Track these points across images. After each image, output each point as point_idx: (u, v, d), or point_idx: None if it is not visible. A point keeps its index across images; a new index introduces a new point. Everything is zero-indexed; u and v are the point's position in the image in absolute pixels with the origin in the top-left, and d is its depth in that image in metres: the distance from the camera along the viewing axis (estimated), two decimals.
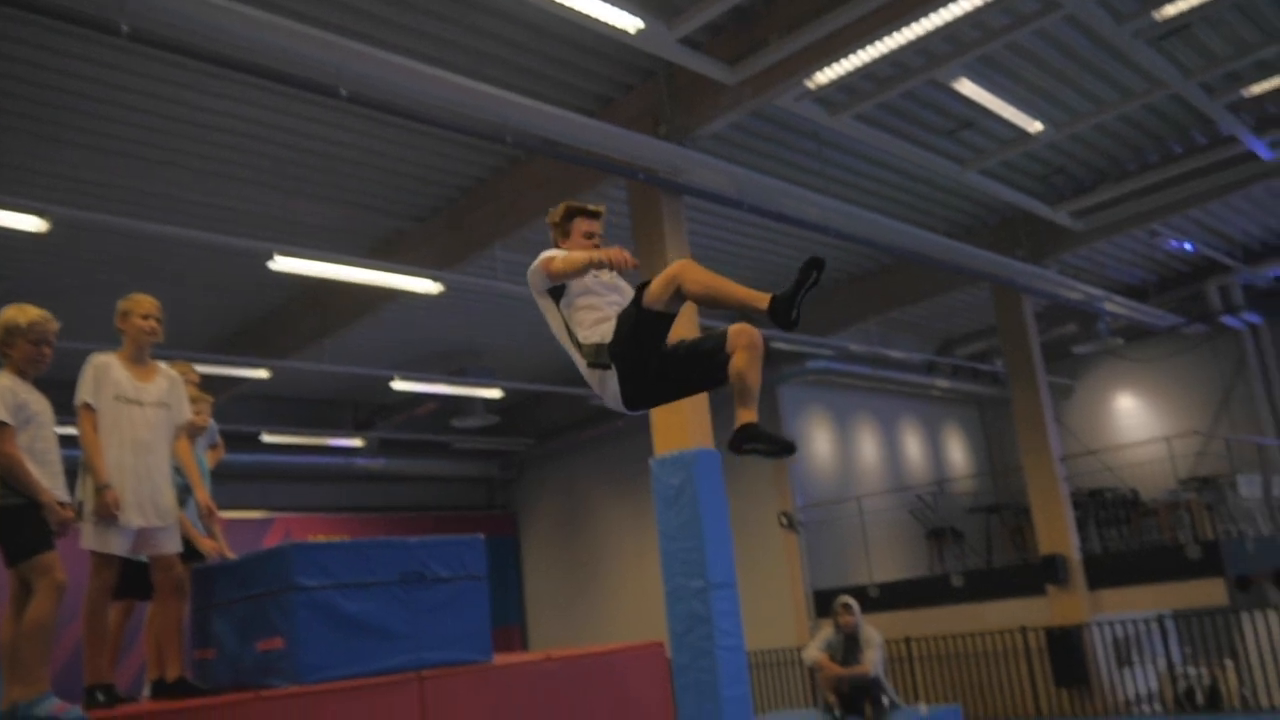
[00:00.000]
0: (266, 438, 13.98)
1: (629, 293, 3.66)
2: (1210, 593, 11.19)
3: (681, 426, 7.55)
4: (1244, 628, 10.72)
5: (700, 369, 3.53)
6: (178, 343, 8.95)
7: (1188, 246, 13.06)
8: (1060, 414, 15.51)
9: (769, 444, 3.44)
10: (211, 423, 5.42)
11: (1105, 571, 12.14)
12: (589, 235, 3.85)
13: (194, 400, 4.99)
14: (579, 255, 3.51)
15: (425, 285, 9.20)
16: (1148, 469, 14.22)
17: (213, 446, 5.52)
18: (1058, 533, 12.26)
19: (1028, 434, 12.77)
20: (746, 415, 3.43)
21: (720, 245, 11.43)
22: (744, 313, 3.35)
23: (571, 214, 3.88)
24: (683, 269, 3.35)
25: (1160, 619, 11.48)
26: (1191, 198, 11.14)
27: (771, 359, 14.16)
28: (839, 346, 13.90)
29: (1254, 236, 13.60)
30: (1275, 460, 14.38)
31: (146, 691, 4.70)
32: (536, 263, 3.65)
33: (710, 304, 3.42)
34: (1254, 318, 14.61)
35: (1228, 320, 14.30)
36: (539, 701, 4.98)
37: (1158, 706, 11.67)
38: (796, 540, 13.71)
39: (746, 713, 7.15)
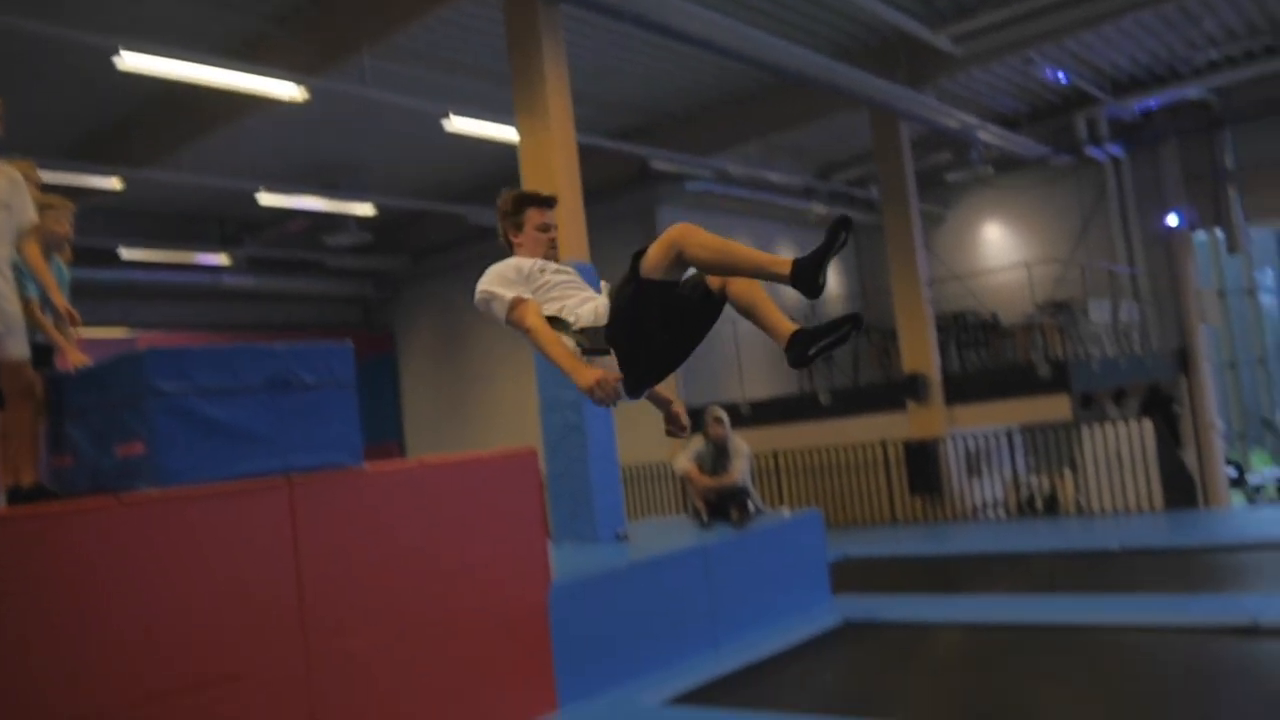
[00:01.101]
0: (125, 253, 13.37)
1: (584, 285, 3.34)
2: (1057, 408, 11.92)
3: (559, 241, 7.48)
4: (1083, 441, 11.50)
5: (697, 323, 3.13)
6: (19, 149, 8.37)
7: (1060, 76, 13.28)
8: (930, 241, 15.94)
9: (831, 337, 2.94)
10: None
11: (962, 389, 12.79)
12: (544, 229, 3.47)
13: (52, 208, 4.71)
14: (558, 353, 3.10)
15: (288, 90, 8.74)
16: (1008, 294, 14.86)
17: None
18: (921, 353, 12.80)
19: (898, 259, 13.12)
20: (786, 327, 2.99)
21: (600, 61, 11.12)
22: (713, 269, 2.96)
23: (522, 203, 3.49)
24: (683, 233, 2.94)
25: (1009, 433, 12.22)
26: (1066, 25, 11.24)
27: (649, 180, 14.11)
28: (718, 168, 13.86)
29: (1122, 69, 13.89)
30: (1124, 288, 15.16)
31: (2, 499, 4.58)
32: (489, 290, 3.23)
33: (718, 272, 3.00)
34: (1117, 150, 15.09)
35: (1092, 152, 14.74)
36: (412, 507, 5.05)
37: (1002, 513, 12.56)
38: None
39: (618, 519, 7.42)
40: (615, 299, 3.09)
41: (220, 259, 14.76)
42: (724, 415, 8.11)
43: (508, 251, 3.48)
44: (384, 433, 16.72)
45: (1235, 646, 5.67)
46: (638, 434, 13.44)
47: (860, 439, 12.77)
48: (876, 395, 13.35)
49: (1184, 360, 15.05)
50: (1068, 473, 12.08)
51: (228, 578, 4.30)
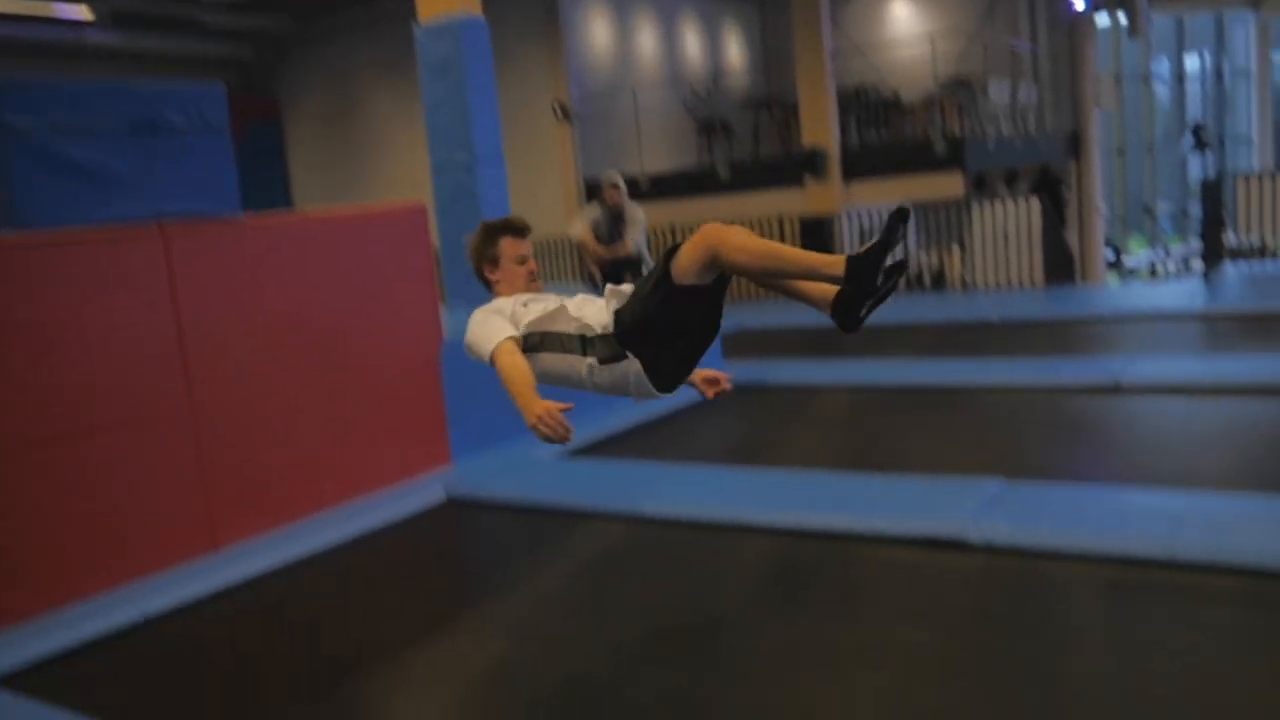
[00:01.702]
0: None
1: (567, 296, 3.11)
2: (950, 186, 12.05)
3: None
4: (973, 218, 11.73)
5: (718, 311, 2.93)
6: None
7: None
8: (836, 13, 15.54)
9: (882, 290, 2.64)
10: None
11: (860, 165, 12.81)
12: (521, 260, 3.20)
13: None
14: (516, 388, 2.83)
15: None
16: (911, 70, 14.69)
17: None
18: (821, 127, 12.70)
19: (803, 29, 12.80)
20: (834, 264, 2.64)
21: None
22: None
23: (493, 234, 3.20)
24: (720, 237, 2.71)
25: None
26: None
27: None
28: None
29: None
30: (1025, 70, 15.12)
31: None
32: (476, 347, 3.00)
33: (761, 276, 2.81)
34: None
35: None
36: (295, 261, 4.90)
37: None
38: (570, 131, 13.64)
39: None
40: (642, 304, 2.85)
41: (81, 12, 13.60)
42: (620, 181, 7.97)
43: (486, 292, 3.20)
44: (273, 204, 16.13)
45: (1099, 403, 6.01)
46: (536, 208, 13.23)
47: (758, 214, 12.79)
48: (775, 170, 13.29)
49: (1076, 144, 15.27)
50: (956, 249, 12.36)
51: (104, 326, 4.15)
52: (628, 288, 3.07)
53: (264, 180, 15.53)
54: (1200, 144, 12.23)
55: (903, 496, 4.40)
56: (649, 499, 4.75)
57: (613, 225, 7.98)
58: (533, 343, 3.01)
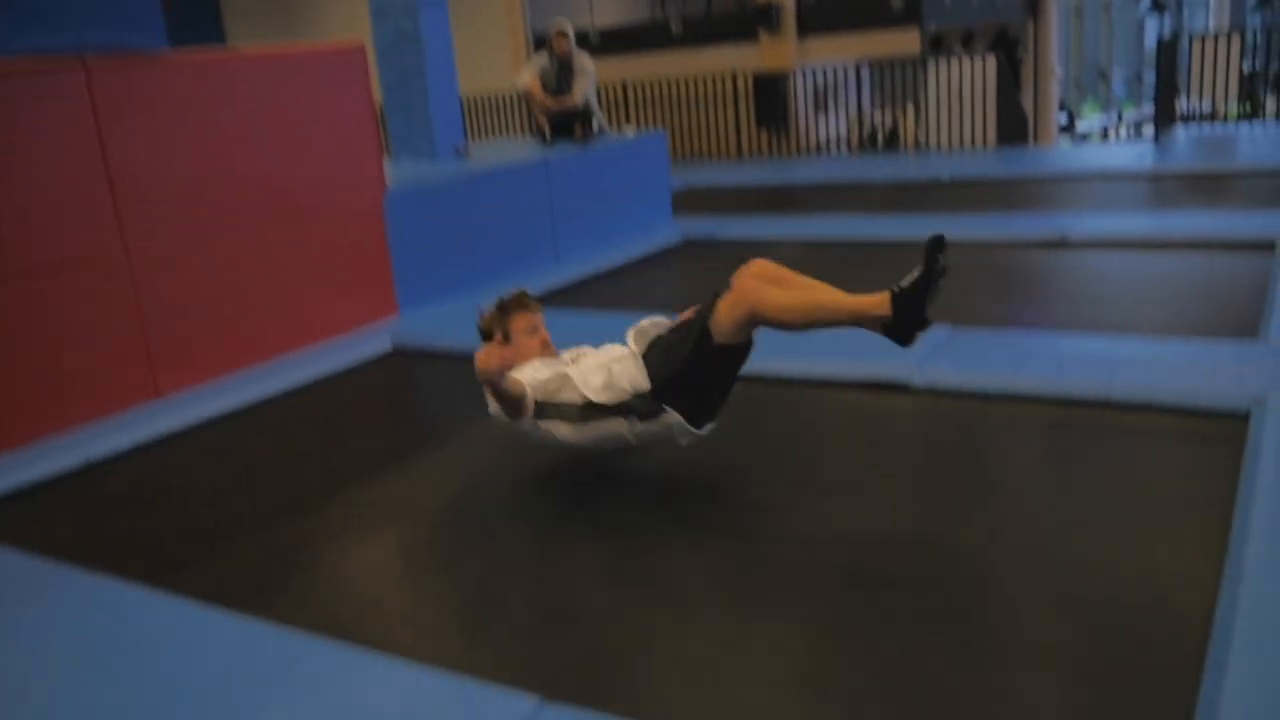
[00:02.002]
0: None
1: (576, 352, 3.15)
2: (907, 43, 11.85)
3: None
4: (929, 77, 11.57)
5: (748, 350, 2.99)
6: None
7: None
8: None
9: (929, 290, 2.68)
10: None
11: (816, 21, 12.52)
12: (532, 330, 3.23)
13: None
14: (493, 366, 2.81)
15: None
16: None
17: None
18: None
19: None
20: (878, 305, 2.71)
21: None
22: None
23: (504, 313, 3.25)
24: (759, 299, 2.73)
25: (857, 67, 12.16)
26: None
27: None
28: None
29: None
30: None
31: None
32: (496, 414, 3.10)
33: (805, 329, 2.81)
34: None
35: None
36: (227, 100, 4.70)
37: (845, 149, 12.75)
38: None
39: (457, 134, 7.16)
40: (681, 363, 2.87)
41: None
42: (569, 29, 7.72)
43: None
44: None
45: (1045, 256, 6.05)
46: (483, 63, 12.83)
47: (710, 70, 12.52)
48: (728, 25, 12.95)
49: (1034, 4, 15.01)
50: (910, 109, 12.22)
51: (28, 166, 3.97)
52: (649, 325, 3.17)
53: (195, 27, 14.84)
54: (1157, 5, 12.10)
55: (849, 343, 4.40)
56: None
57: (561, 75, 7.76)
58: (537, 410, 3.05)
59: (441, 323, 5.37)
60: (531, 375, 3.06)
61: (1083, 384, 3.70)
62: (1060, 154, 11.15)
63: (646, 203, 7.73)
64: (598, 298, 5.91)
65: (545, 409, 3.05)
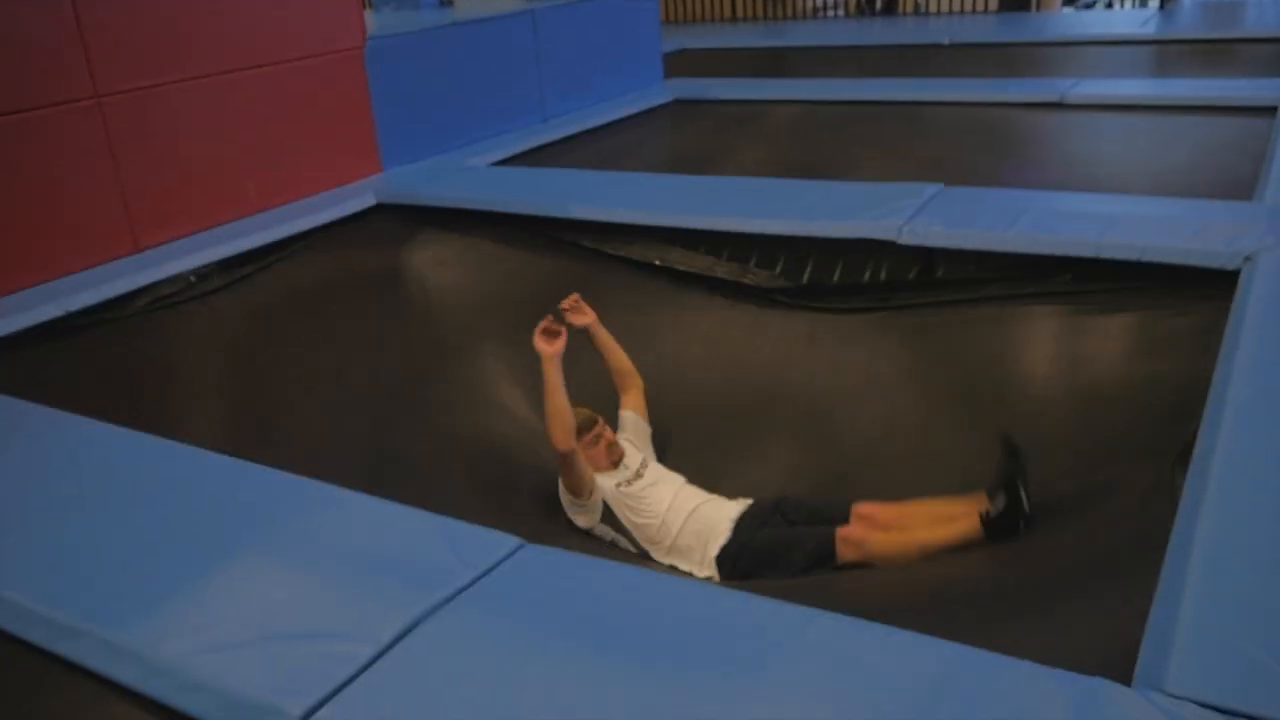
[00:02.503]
0: None
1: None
2: None
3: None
4: None
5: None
6: None
7: None
8: None
9: (1015, 496, 2.64)
10: None
11: None
12: (594, 441, 3.29)
13: None
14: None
15: None
16: None
17: None
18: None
19: None
20: (971, 531, 2.70)
21: None
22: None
23: (579, 432, 3.22)
24: (870, 552, 2.78)
25: None
26: None
27: None
28: None
29: None
30: None
31: None
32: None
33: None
34: None
35: None
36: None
37: (842, 12, 12.40)
38: None
39: None
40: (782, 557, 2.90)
41: None
42: None
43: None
44: None
45: (1042, 117, 5.94)
46: None
47: None
48: None
49: None
50: None
51: None
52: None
53: None
54: None
55: (840, 201, 4.34)
56: (579, 203, 4.62)
57: None
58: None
59: (426, 178, 5.24)
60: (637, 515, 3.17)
61: (1074, 243, 3.65)
62: (1063, 19, 10.87)
63: (636, 62, 7.52)
64: (584, 155, 5.79)
65: (617, 524, 3.18)
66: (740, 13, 12.16)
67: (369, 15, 6.29)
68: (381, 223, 4.93)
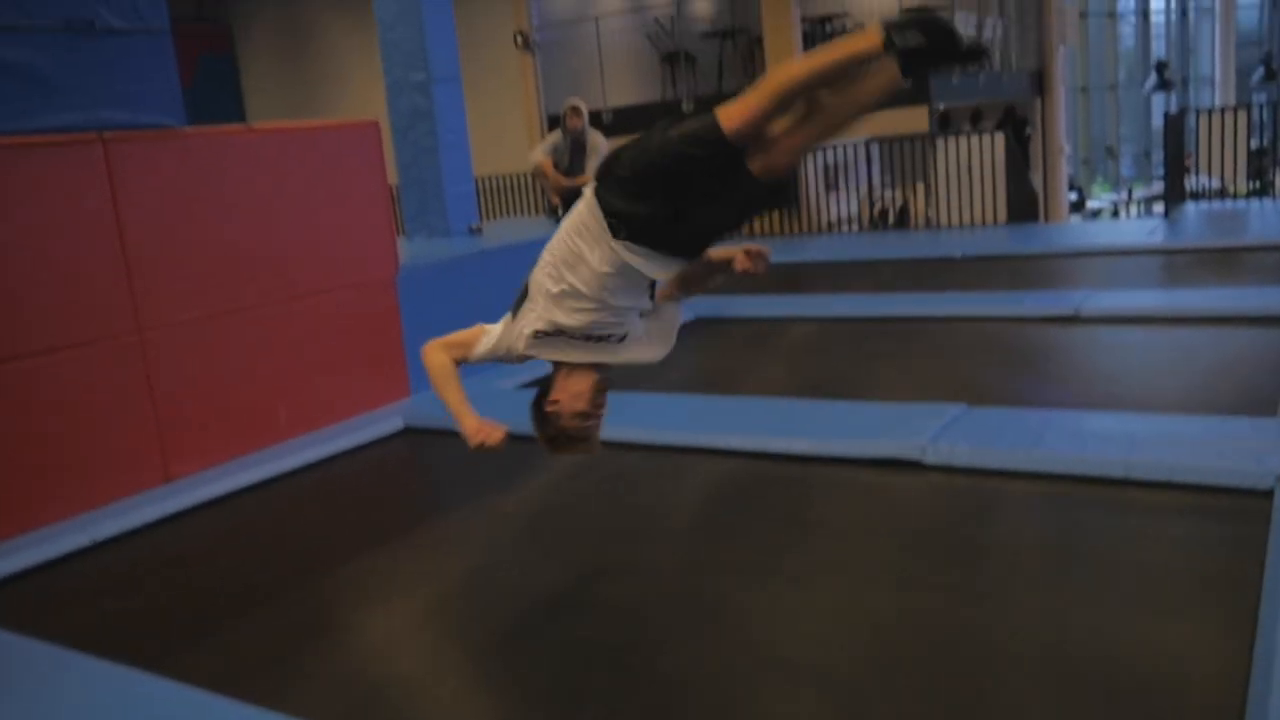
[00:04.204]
0: None
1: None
2: (915, 121, 11.99)
3: None
4: (938, 154, 11.67)
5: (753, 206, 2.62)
6: None
7: None
8: None
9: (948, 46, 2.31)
10: None
11: None
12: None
13: None
14: (450, 398, 2.67)
15: None
16: (876, 1, 14.50)
17: None
18: (785, 59, 12.55)
19: None
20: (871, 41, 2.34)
21: None
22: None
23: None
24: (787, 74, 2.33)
25: (867, 145, 12.28)
26: None
27: None
28: None
29: None
30: (991, 4, 14.99)
31: None
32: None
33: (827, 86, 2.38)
34: None
35: None
36: (243, 175, 4.75)
37: (856, 226, 12.83)
38: (531, 62, 13.40)
39: (471, 213, 7.22)
40: (658, 154, 2.38)
41: None
42: (583, 106, 7.83)
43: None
44: None
45: (1058, 332, 6.01)
46: (497, 140, 13.02)
47: None
48: None
49: (1041, 82, 15.21)
50: (920, 187, 12.31)
51: (42, 241, 3.99)
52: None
53: (217, 113, 15.15)
54: (1164, 82, 12.23)
55: (863, 421, 4.37)
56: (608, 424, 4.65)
57: (574, 153, 7.85)
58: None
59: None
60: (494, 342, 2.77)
61: (1101, 462, 3.64)
62: (1072, 230, 11.19)
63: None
64: (612, 380, 5.87)
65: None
66: (757, 228, 12.59)
67: (401, 241, 6.56)
68: (409, 446, 4.97)
